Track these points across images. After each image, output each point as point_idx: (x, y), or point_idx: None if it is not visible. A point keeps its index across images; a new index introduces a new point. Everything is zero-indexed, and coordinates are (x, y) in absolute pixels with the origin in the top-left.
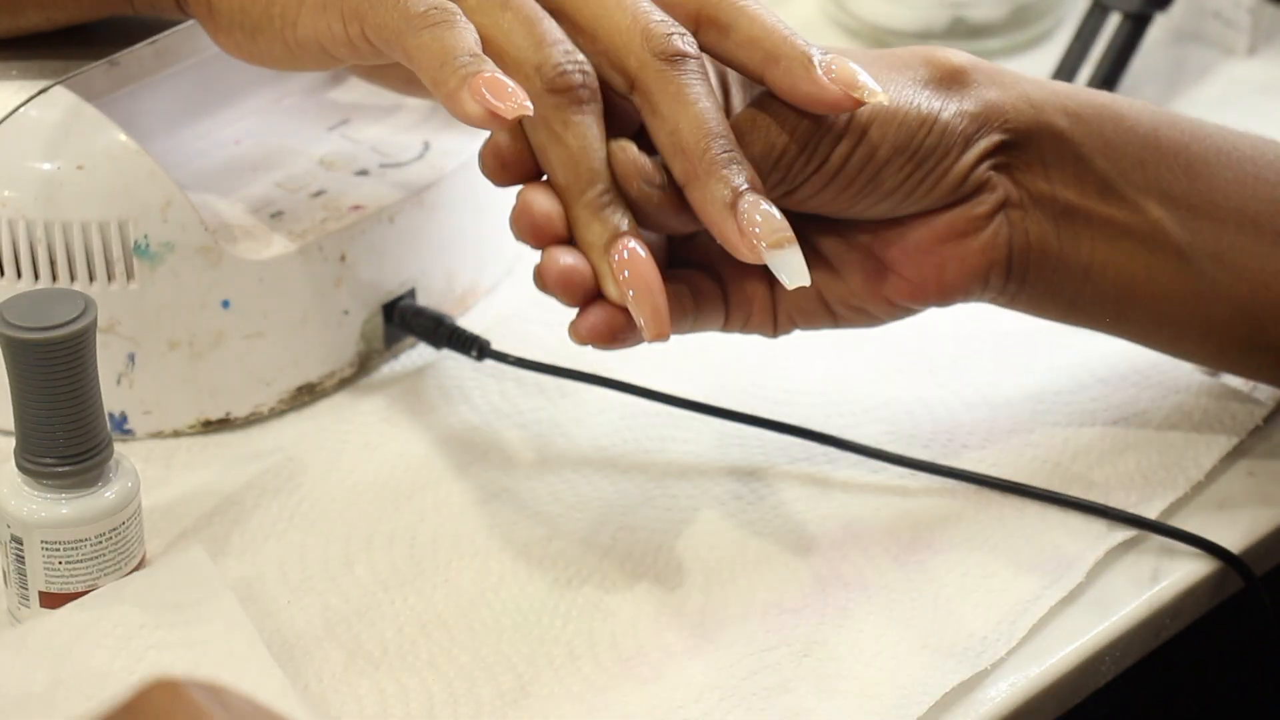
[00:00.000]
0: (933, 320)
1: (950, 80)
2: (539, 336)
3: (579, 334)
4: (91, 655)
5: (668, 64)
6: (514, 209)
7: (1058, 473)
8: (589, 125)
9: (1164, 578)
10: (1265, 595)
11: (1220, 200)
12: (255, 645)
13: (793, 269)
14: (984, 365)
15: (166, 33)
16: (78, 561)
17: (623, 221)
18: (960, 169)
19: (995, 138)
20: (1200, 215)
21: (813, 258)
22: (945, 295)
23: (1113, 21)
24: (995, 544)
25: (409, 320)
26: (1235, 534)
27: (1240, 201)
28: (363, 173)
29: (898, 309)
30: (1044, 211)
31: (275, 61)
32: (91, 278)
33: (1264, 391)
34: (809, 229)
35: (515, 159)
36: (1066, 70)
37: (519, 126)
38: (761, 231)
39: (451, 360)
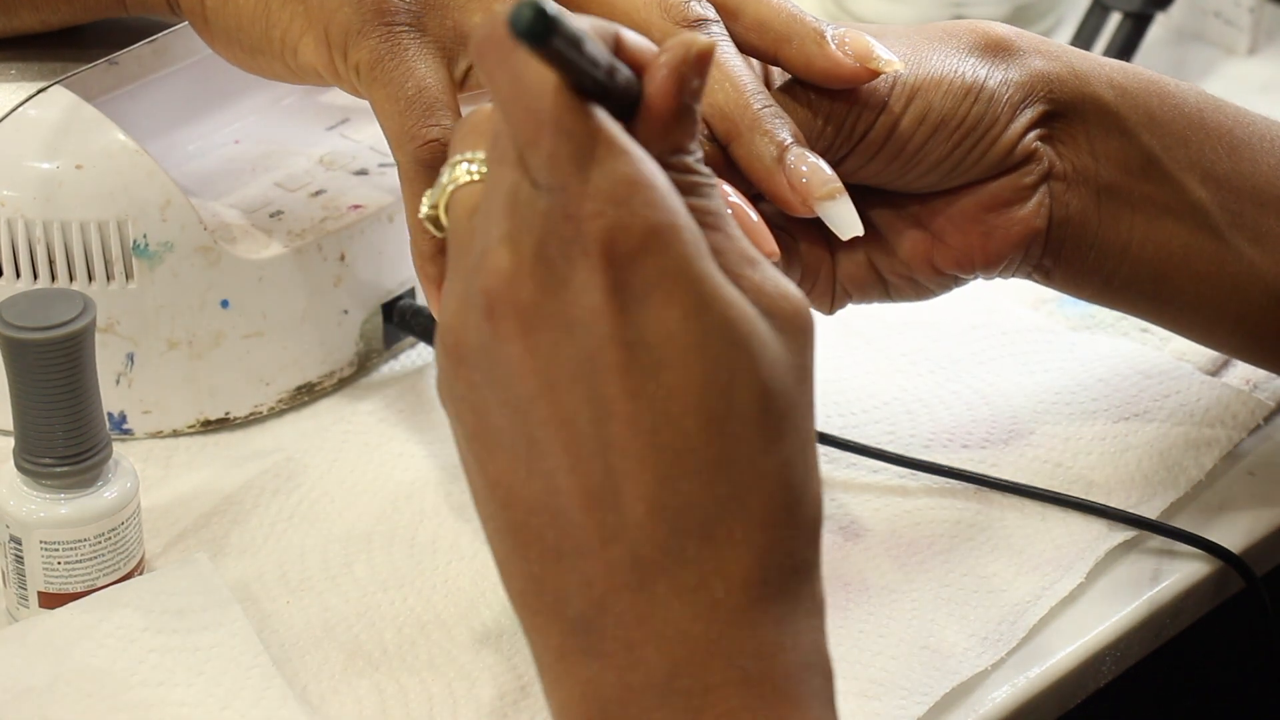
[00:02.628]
0: (933, 320)
1: (996, 49)
2: None
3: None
4: (92, 655)
5: (692, 29)
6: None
7: (1058, 473)
8: None
9: (1164, 578)
10: (1265, 595)
11: (1263, 184)
12: (258, 654)
13: (845, 219)
14: (984, 365)
15: (165, 32)
16: (76, 561)
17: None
18: (1008, 139)
19: (1041, 107)
20: (1242, 197)
21: (865, 228)
22: (990, 264)
23: (1113, 21)
24: (995, 544)
25: (408, 319)
26: (1235, 534)
27: None
28: (362, 172)
29: (945, 278)
30: (1086, 186)
31: (275, 77)
32: (90, 277)
33: (1264, 391)
34: (858, 199)
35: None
36: None
37: None
38: (810, 184)
39: None
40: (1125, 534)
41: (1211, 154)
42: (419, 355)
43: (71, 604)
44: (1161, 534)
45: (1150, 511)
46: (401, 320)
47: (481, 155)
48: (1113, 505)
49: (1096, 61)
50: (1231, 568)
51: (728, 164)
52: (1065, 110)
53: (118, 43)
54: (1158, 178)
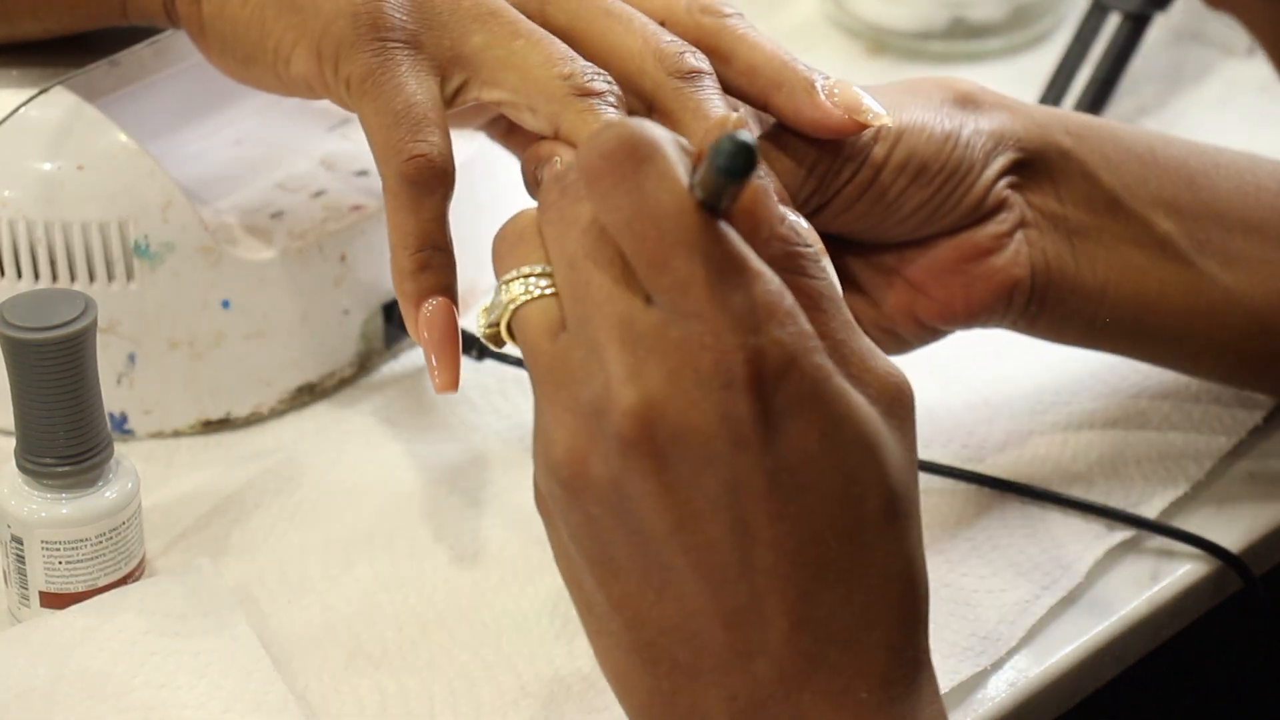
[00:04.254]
0: None
1: (965, 102)
2: None
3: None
4: (94, 658)
5: (684, 81)
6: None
7: (1058, 473)
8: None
9: (1163, 578)
10: (1264, 595)
11: (1224, 209)
12: (259, 659)
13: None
14: (984, 365)
15: (166, 33)
16: (78, 561)
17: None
18: (981, 185)
19: (1010, 155)
20: (1206, 224)
21: (844, 282)
22: (972, 315)
23: (1112, 21)
24: (995, 544)
25: None
26: (1235, 534)
27: (1244, 210)
28: (363, 173)
29: (926, 330)
30: (1058, 230)
31: (267, 88)
32: (92, 278)
33: None
34: (838, 254)
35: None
36: (1066, 70)
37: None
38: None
39: None
40: (1124, 534)
41: (1171, 187)
42: (419, 355)
43: (74, 606)
44: (1161, 534)
45: (1149, 511)
46: (402, 320)
47: (540, 269)
48: (1112, 505)
49: (1050, 112)
50: (1230, 568)
51: None
52: (1031, 159)
53: (119, 43)
54: (1124, 216)
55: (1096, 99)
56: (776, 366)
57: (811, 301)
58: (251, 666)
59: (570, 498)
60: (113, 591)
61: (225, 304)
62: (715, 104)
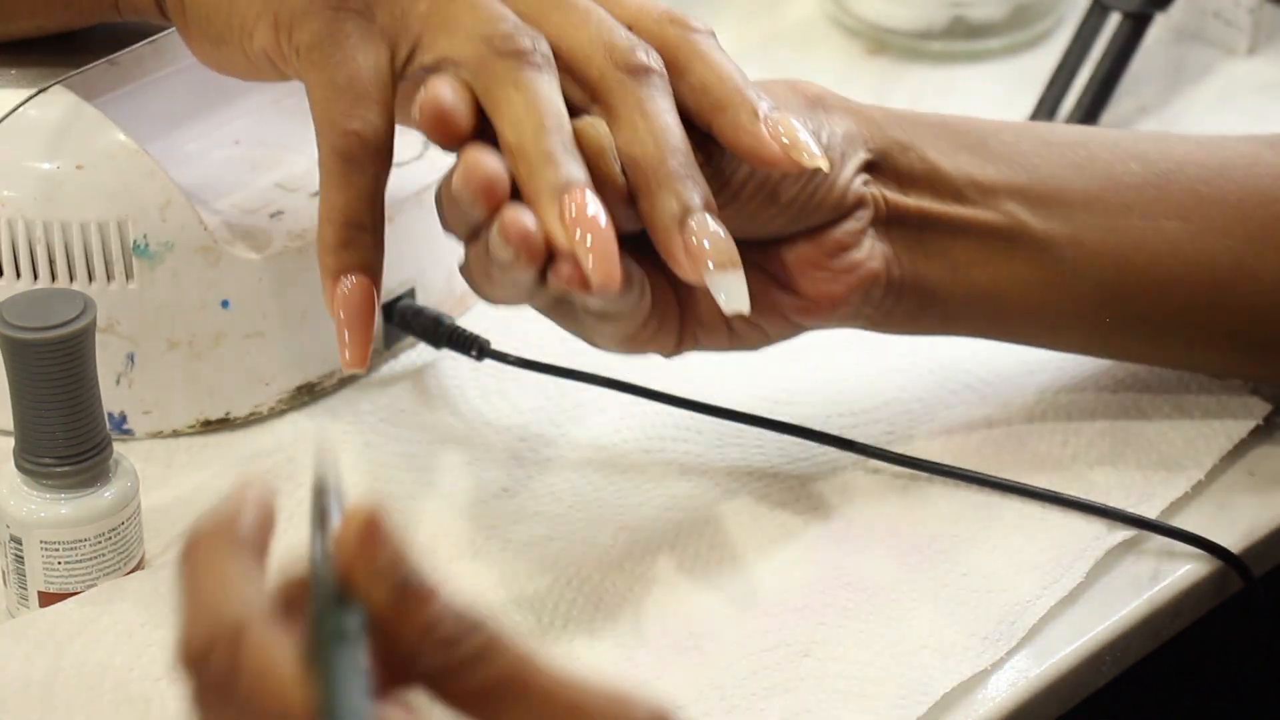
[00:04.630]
0: None
1: (816, 104)
2: (539, 336)
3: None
4: (91, 650)
5: (630, 75)
6: (458, 170)
7: (1058, 473)
8: (545, 83)
9: (1164, 578)
10: (1265, 595)
11: (1063, 186)
12: None
13: (735, 293)
14: (984, 365)
15: (165, 32)
16: (77, 561)
17: (578, 172)
18: (841, 184)
19: (863, 155)
20: (1049, 203)
21: None
22: (835, 308)
23: (1113, 21)
24: (995, 544)
25: (409, 320)
26: (1235, 534)
27: (1082, 184)
28: None
29: (789, 325)
30: (908, 225)
31: (239, 72)
32: (91, 277)
33: (1264, 391)
34: None
35: (457, 115)
36: (1067, 70)
37: (464, 85)
38: (709, 251)
39: (451, 360)
40: (1125, 533)
41: (1008, 170)
42: (419, 355)
43: (71, 599)
44: (1161, 534)
45: (1150, 511)
46: (402, 320)
47: None
48: (1112, 505)
49: (886, 110)
50: (1231, 568)
51: (633, 208)
52: (878, 157)
53: (118, 43)
54: (970, 203)
55: (1096, 99)
56: None
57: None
58: None
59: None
60: (110, 583)
61: (224, 304)
62: (658, 103)
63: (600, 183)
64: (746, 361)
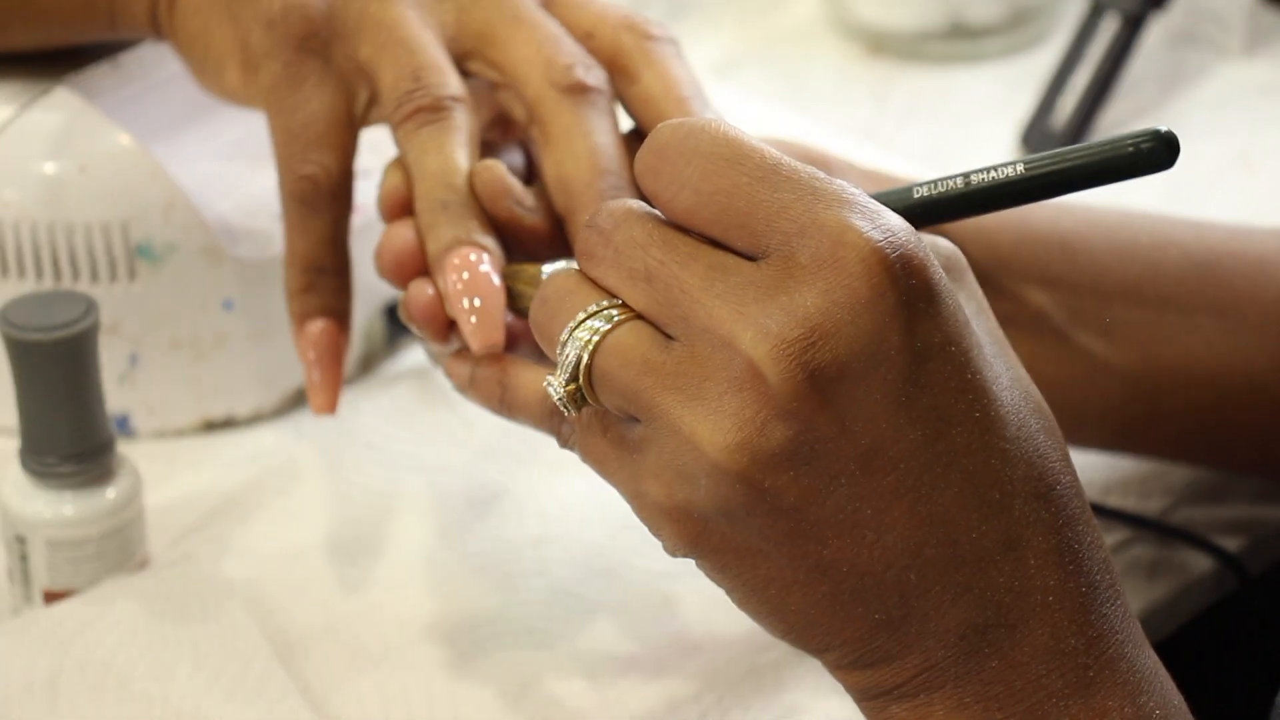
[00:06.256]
0: None
1: (820, 165)
2: None
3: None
4: (95, 649)
5: (564, 95)
6: (376, 247)
7: None
8: (438, 138)
9: (1161, 576)
10: (1261, 594)
11: (1100, 273)
12: (258, 645)
13: None
14: None
15: None
16: (81, 560)
17: (466, 230)
18: None
19: None
20: (1082, 293)
21: None
22: None
23: (1110, 22)
24: None
25: None
26: (1232, 533)
27: (1120, 272)
28: (363, 174)
29: None
30: None
31: (221, 98)
32: (94, 278)
33: None
34: None
35: (396, 196)
36: (1064, 71)
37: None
38: None
39: None
40: (1123, 532)
41: (1045, 255)
42: (419, 355)
43: (74, 597)
44: (1159, 532)
45: (1147, 510)
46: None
47: (605, 303)
48: (1111, 504)
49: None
50: (1228, 567)
51: (556, 236)
52: None
53: (120, 44)
54: (993, 292)
55: (1094, 100)
56: (916, 265)
57: None
58: (252, 655)
59: (754, 491)
60: (113, 581)
61: (227, 304)
62: (591, 123)
63: (504, 226)
64: None
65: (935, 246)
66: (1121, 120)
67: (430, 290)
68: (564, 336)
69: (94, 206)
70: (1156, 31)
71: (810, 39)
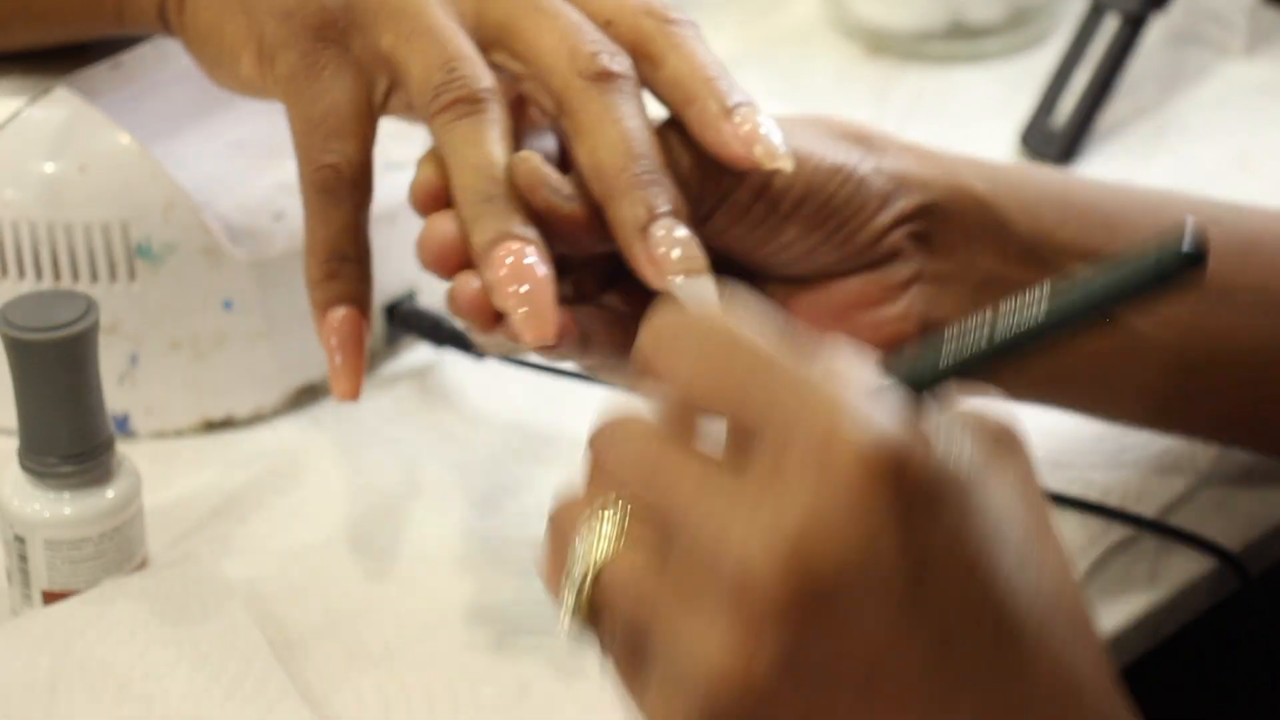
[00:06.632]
0: None
1: (863, 141)
2: None
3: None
4: (94, 649)
5: (592, 82)
6: (418, 238)
7: (1056, 472)
8: (477, 131)
9: (1161, 577)
10: (1262, 594)
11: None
12: (258, 645)
13: (702, 299)
14: None
15: None
16: (80, 561)
17: (510, 223)
18: (874, 229)
19: (914, 200)
20: None
21: None
22: None
23: (1110, 23)
24: None
25: (410, 321)
26: (1232, 533)
27: None
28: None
29: None
30: (963, 283)
31: (237, 91)
32: (94, 278)
33: None
34: (721, 282)
35: (431, 188)
36: (1065, 71)
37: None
38: (674, 257)
39: (452, 360)
40: (1123, 532)
41: (1088, 231)
42: (420, 355)
43: (74, 597)
44: (1159, 533)
45: (1148, 510)
46: (403, 321)
47: (609, 513)
48: (1110, 504)
49: (960, 158)
50: (1229, 566)
51: (595, 224)
52: (940, 205)
53: (121, 44)
54: (1037, 263)
55: (1094, 100)
56: (912, 467)
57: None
58: (252, 654)
59: (747, 709)
60: (113, 581)
61: (227, 304)
62: (622, 109)
63: (544, 215)
64: None
65: (983, 423)
66: (1121, 121)
67: (476, 283)
68: (574, 548)
69: (94, 206)
70: (1156, 31)
71: (810, 39)
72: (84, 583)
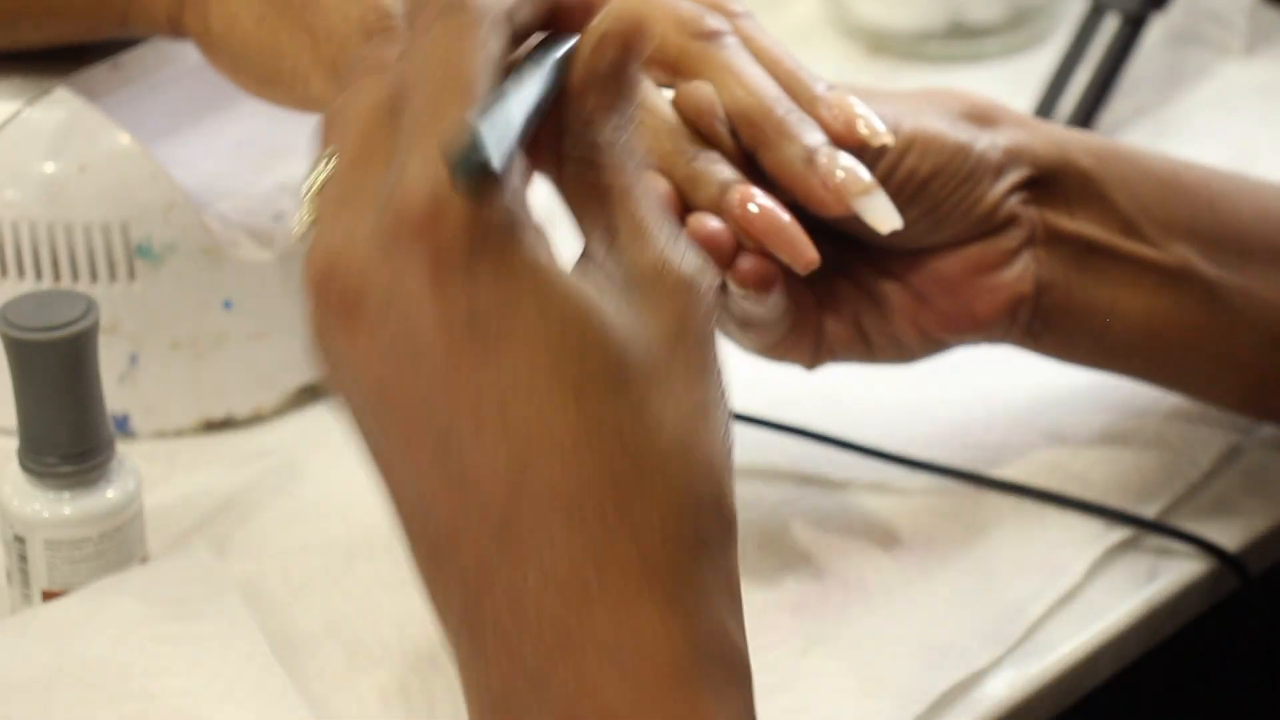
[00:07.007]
0: None
1: (980, 117)
2: None
3: (741, 281)
4: (92, 645)
5: (708, 41)
6: None
7: (1056, 472)
8: (652, 99)
9: (1161, 577)
10: (1262, 595)
11: (1245, 233)
12: (257, 643)
13: (883, 212)
14: (983, 365)
15: None
16: (80, 561)
17: (723, 173)
18: (992, 199)
19: (1024, 171)
20: (1227, 249)
21: (852, 287)
22: (978, 329)
23: (1110, 22)
24: (994, 543)
25: None
26: (1232, 534)
27: (1264, 234)
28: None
29: (931, 342)
30: (1068, 249)
31: (287, 106)
32: (94, 278)
33: None
34: (847, 258)
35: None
36: (1064, 71)
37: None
38: (846, 180)
39: None
40: (1123, 533)
41: (1190, 209)
42: None
43: (72, 594)
44: (1159, 533)
45: (1148, 511)
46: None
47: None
48: (1110, 504)
49: (1071, 133)
50: (1228, 567)
51: (756, 171)
52: (1047, 176)
53: (121, 44)
54: (1139, 238)
55: (1094, 100)
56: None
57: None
58: (250, 651)
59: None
60: (111, 578)
61: (227, 305)
62: (743, 59)
63: (714, 146)
64: (746, 362)
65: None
66: (1121, 121)
67: (714, 223)
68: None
69: (94, 206)
70: (1156, 31)
71: (810, 39)
72: (84, 583)
